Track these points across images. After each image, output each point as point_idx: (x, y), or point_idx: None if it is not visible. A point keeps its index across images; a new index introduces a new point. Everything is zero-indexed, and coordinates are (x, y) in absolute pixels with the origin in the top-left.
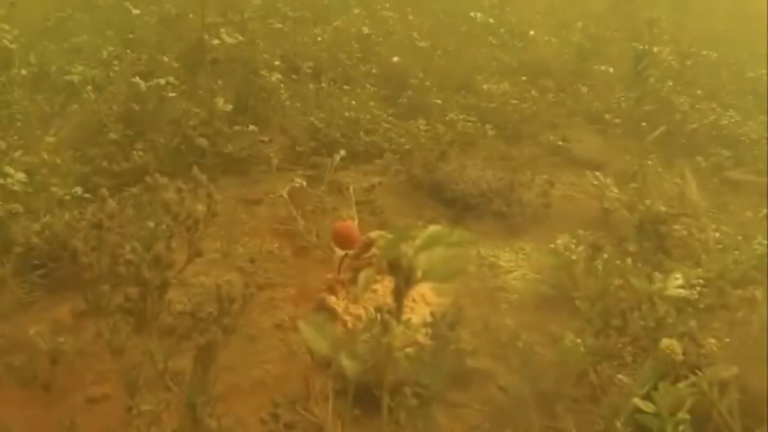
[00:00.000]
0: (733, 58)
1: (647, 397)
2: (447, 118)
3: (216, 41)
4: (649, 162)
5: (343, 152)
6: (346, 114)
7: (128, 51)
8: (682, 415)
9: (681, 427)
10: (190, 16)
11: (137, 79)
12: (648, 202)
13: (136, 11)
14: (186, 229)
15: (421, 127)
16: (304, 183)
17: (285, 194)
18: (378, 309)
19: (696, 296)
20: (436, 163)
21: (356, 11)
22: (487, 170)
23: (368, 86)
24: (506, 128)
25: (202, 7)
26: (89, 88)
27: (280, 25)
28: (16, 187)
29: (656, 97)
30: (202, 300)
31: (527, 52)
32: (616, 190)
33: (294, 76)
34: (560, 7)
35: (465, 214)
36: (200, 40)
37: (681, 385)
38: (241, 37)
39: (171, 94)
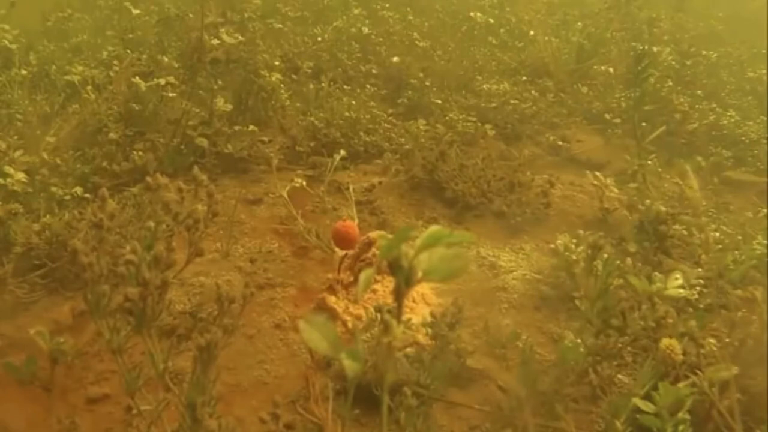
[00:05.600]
0: (733, 58)
1: (647, 397)
2: (447, 118)
3: (216, 41)
4: (649, 162)
5: (343, 152)
6: (346, 114)
7: (128, 51)
8: (682, 415)
9: (681, 428)
10: (190, 16)
11: (137, 79)
12: (648, 201)
13: (136, 11)
14: (186, 228)
15: (421, 127)
16: (304, 183)
17: (285, 194)
18: (378, 309)
19: (696, 296)
20: (436, 163)
21: (356, 11)
22: (487, 170)
23: (368, 86)
24: (506, 128)
25: (201, 7)
26: (89, 88)
27: (279, 25)
28: (16, 187)
29: (656, 97)
30: (202, 300)
31: (527, 52)
32: (616, 190)
33: (294, 76)
34: (560, 7)
35: (465, 214)
36: (200, 40)
37: (681, 384)
38: (241, 37)
39: (171, 94)
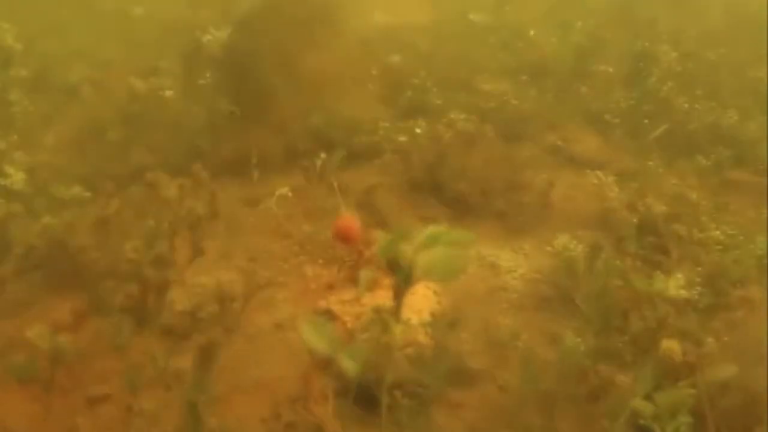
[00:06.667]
0: (733, 58)
1: (647, 398)
2: (447, 118)
3: (214, 41)
4: (650, 162)
5: (343, 152)
6: (346, 114)
7: (127, 51)
8: (683, 416)
9: (681, 428)
10: (189, 16)
11: (136, 79)
12: (648, 200)
13: (136, 11)
14: (188, 228)
15: (421, 127)
16: (304, 183)
17: (285, 194)
18: (378, 309)
19: (696, 296)
20: (436, 163)
21: (356, 10)
22: (487, 170)
23: (368, 86)
24: (506, 128)
25: (198, 7)
26: (89, 88)
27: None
28: (16, 187)
29: (656, 97)
30: (203, 300)
31: (527, 52)
32: (616, 190)
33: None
34: (560, 7)
35: (465, 214)
36: (199, 40)
37: (680, 384)
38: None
39: (169, 94)
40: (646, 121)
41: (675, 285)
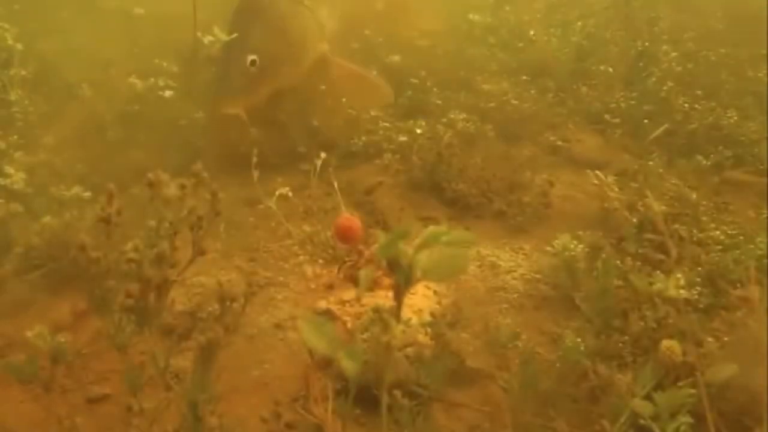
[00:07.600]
0: (733, 58)
1: (647, 398)
2: (447, 118)
3: (215, 41)
4: (650, 162)
5: (343, 152)
6: (347, 114)
7: (128, 51)
8: (683, 416)
9: (681, 428)
10: (190, 16)
11: (134, 79)
12: (648, 200)
13: (137, 11)
14: (189, 227)
15: (421, 127)
16: (304, 183)
17: (284, 193)
18: (378, 309)
19: (696, 296)
20: (436, 163)
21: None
22: (487, 170)
23: None
24: (506, 128)
25: (199, 7)
26: (88, 88)
27: None
28: (16, 187)
29: (656, 97)
30: (203, 300)
31: (527, 52)
32: (616, 190)
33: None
34: (560, 7)
35: (465, 214)
36: (195, 38)
37: (680, 384)
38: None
39: (167, 93)
40: (646, 121)
41: (675, 285)
